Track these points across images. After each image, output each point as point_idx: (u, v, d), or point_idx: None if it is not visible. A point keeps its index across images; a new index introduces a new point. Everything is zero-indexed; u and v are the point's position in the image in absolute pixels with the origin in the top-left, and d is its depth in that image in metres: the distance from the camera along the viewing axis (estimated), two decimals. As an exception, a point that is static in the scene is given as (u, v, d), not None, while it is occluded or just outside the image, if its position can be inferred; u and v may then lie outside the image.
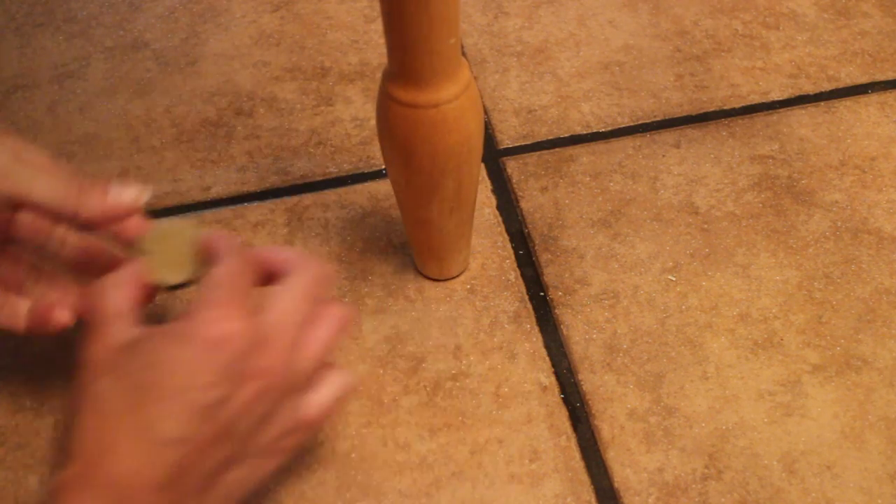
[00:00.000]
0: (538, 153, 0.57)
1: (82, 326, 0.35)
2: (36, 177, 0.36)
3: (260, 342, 0.33)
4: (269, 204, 0.54)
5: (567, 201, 0.54)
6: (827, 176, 0.55)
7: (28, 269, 0.40)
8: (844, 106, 0.59)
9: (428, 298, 0.49)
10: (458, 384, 0.45)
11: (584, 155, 0.56)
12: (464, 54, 0.58)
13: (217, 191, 0.55)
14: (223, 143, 0.58)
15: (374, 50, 0.64)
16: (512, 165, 0.56)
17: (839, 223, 0.52)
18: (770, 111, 0.59)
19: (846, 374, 0.45)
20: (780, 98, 0.60)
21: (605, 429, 0.43)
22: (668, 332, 0.47)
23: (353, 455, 0.43)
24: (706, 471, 0.42)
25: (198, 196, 0.55)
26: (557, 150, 0.57)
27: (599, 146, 0.57)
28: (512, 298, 0.49)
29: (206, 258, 0.37)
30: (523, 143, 0.57)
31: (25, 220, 0.39)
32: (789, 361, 0.46)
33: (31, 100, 0.61)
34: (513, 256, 0.51)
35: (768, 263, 0.50)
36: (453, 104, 0.38)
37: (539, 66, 0.62)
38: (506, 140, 0.58)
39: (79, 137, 0.59)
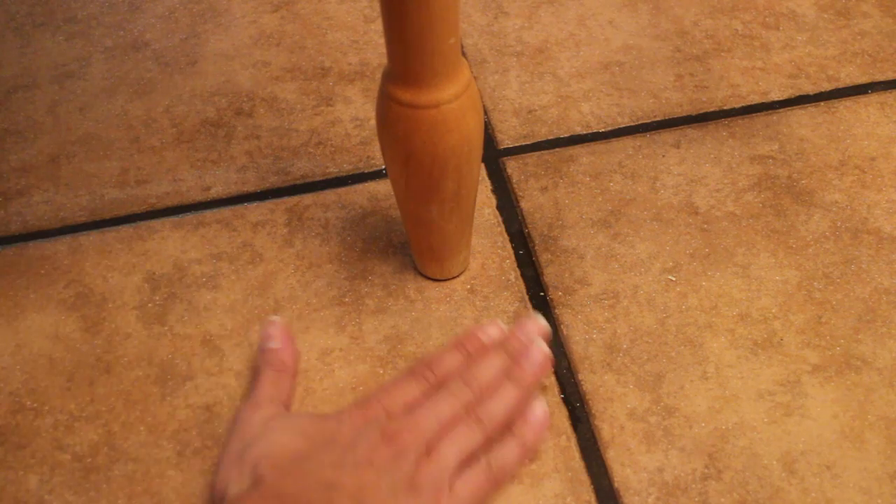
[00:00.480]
0: (538, 153, 0.57)
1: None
2: None
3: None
4: (269, 204, 0.54)
5: (567, 201, 0.54)
6: (827, 176, 0.55)
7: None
8: (844, 106, 0.59)
9: (428, 298, 0.49)
10: (458, 384, 0.45)
11: (584, 155, 0.56)
12: (464, 54, 0.58)
13: (217, 191, 0.55)
14: (223, 143, 0.58)
15: (374, 50, 0.64)
16: (512, 165, 0.56)
17: (839, 223, 0.52)
18: (770, 111, 0.59)
19: (846, 374, 0.45)
20: (780, 98, 0.60)
21: (605, 429, 0.43)
22: (668, 332, 0.47)
23: (353, 455, 0.43)
24: (706, 471, 0.42)
25: (198, 196, 0.55)
26: (557, 150, 0.57)
27: (599, 146, 0.57)
28: (512, 298, 0.49)
29: None
30: (523, 143, 0.57)
31: None
32: (789, 361, 0.46)
33: (31, 100, 0.61)
34: (513, 256, 0.51)
35: (768, 263, 0.50)
36: (453, 104, 0.38)
37: (539, 66, 0.62)
38: (506, 140, 0.58)
39: (79, 137, 0.59)
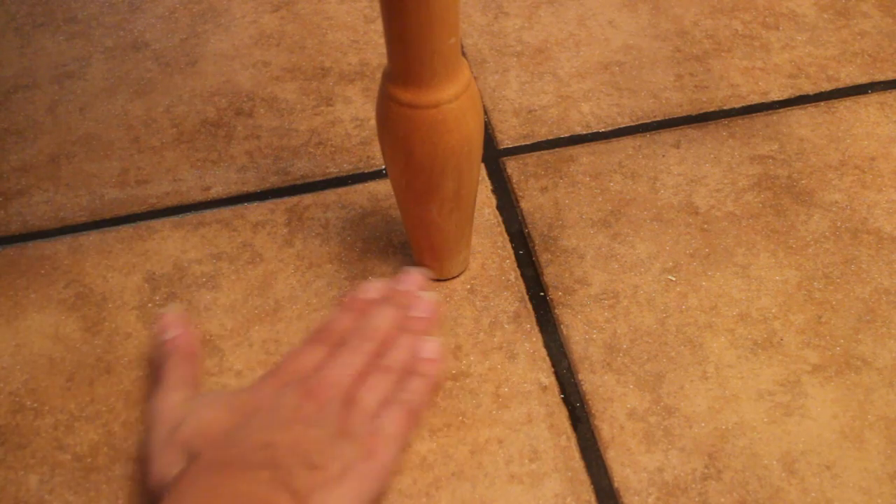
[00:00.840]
0: (538, 153, 0.57)
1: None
2: None
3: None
4: (269, 204, 0.54)
5: (567, 201, 0.54)
6: (827, 176, 0.55)
7: None
8: (844, 106, 0.59)
9: (428, 298, 0.49)
10: (458, 384, 0.45)
11: (584, 155, 0.56)
12: (464, 54, 0.58)
13: (217, 191, 0.55)
14: (223, 143, 0.58)
15: (374, 50, 0.64)
16: (512, 165, 0.56)
17: (839, 223, 0.52)
18: (770, 111, 0.59)
19: (846, 374, 0.45)
20: (780, 98, 0.60)
21: (605, 429, 0.43)
22: (668, 332, 0.47)
23: (353, 455, 0.43)
24: (706, 471, 0.42)
25: (198, 196, 0.55)
26: (557, 150, 0.57)
27: (599, 146, 0.57)
28: (512, 298, 0.49)
29: None
30: (523, 143, 0.57)
31: None
32: (789, 361, 0.46)
33: (31, 100, 0.61)
34: (513, 256, 0.51)
35: (768, 263, 0.50)
36: (453, 104, 0.38)
37: (539, 66, 0.62)
38: (506, 140, 0.58)
39: (79, 137, 0.59)
